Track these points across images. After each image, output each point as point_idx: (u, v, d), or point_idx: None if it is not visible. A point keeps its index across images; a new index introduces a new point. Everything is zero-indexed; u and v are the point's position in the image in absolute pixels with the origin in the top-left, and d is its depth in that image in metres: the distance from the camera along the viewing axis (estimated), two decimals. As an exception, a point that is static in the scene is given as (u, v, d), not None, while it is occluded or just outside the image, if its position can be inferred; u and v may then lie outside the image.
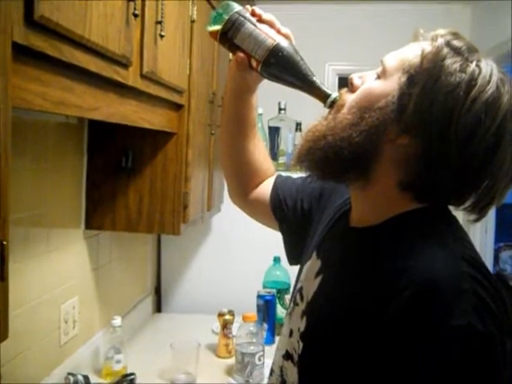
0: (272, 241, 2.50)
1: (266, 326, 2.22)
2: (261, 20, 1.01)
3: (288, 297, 2.46)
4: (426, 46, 0.84)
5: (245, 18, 0.99)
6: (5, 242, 0.72)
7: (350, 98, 0.89)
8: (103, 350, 1.87)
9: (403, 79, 0.84)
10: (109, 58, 1.06)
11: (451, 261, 0.78)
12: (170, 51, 1.47)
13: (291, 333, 1.00)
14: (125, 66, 1.16)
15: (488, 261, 3.35)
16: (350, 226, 0.96)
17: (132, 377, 1.63)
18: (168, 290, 2.75)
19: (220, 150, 1.28)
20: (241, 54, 1.01)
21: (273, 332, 2.27)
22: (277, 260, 2.48)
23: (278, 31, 1.01)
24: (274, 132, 2.93)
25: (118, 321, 1.85)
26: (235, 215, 2.67)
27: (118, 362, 1.84)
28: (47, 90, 0.87)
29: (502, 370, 0.74)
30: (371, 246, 0.88)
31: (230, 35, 0.99)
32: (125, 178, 1.78)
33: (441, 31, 0.86)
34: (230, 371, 1.94)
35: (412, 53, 0.85)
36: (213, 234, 2.75)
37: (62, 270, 1.67)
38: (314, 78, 0.95)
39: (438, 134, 0.80)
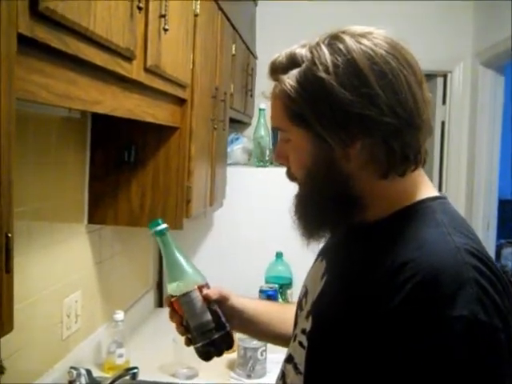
0: (274, 236, 2.52)
1: (268, 321, 2.21)
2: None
3: (290, 292, 2.46)
4: (284, 86, 0.86)
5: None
6: (10, 235, 0.72)
7: (297, 175, 0.93)
8: (105, 344, 1.87)
9: (298, 121, 0.86)
10: (113, 50, 1.06)
11: (453, 252, 0.78)
12: (174, 45, 1.46)
13: (295, 336, 1.00)
14: (129, 59, 1.15)
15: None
16: (353, 225, 0.96)
17: (135, 371, 1.63)
18: (170, 285, 2.74)
19: None
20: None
21: (275, 327, 2.27)
22: (279, 255, 2.49)
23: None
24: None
25: (120, 315, 1.85)
26: (237, 210, 2.69)
27: (121, 356, 1.84)
28: (52, 82, 0.87)
29: (505, 359, 0.74)
30: (374, 242, 0.88)
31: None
32: (127, 172, 1.78)
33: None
34: (232, 366, 1.94)
35: (283, 100, 0.87)
36: (215, 229, 2.75)
37: (65, 264, 1.67)
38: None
39: (369, 123, 0.82)
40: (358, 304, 0.83)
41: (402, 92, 0.82)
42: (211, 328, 1.06)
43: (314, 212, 0.92)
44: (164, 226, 1.11)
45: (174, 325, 1.12)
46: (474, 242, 0.82)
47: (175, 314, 1.10)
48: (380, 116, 0.81)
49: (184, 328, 1.09)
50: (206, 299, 1.08)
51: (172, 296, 1.09)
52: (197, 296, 1.08)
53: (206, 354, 1.08)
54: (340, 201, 0.88)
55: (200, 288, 1.09)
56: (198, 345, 1.07)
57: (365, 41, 0.83)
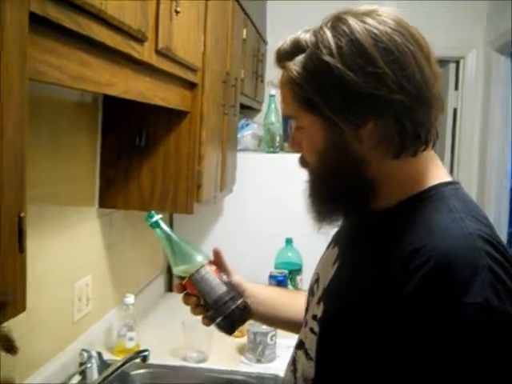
0: (284, 222, 2.52)
1: (277, 306, 2.22)
2: None
3: (300, 278, 2.46)
4: (291, 73, 0.86)
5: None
6: (23, 214, 0.72)
7: (310, 161, 0.92)
8: (116, 327, 1.89)
9: (307, 107, 0.85)
10: (125, 32, 1.05)
11: (466, 238, 0.78)
12: (185, 28, 1.45)
13: (306, 322, 1.00)
14: (140, 41, 1.15)
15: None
16: (365, 211, 0.95)
17: (145, 353, 1.63)
18: (180, 270, 2.75)
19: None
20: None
21: (284, 312, 2.27)
22: (289, 241, 2.48)
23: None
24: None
25: (130, 299, 1.86)
26: (247, 196, 2.68)
27: (131, 339, 1.85)
28: (64, 62, 0.87)
29: None
30: (387, 228, 0.87)
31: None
32: (138, 156, 1.78)
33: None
34: (241, 350, 1.95)
35: (291, 87, 0.86)
36: (225, 214, 2.75)
37: (76, 248, 1.68)
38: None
39: (378, 102, 0.81)
40: (370, 291, 0.82)
41: (408, 67, 0.80)
42: (229, 298, 1.07)
43: (327, 196, 0.91)
44: (158, 217, 1.14)
45: (184, 308, 1.12)
46: (487, 228, 0.81)
47: (190, 297, 1.10)
48: (389, 94, 0.80)
49: (201, 307, 1.09)
50: (217, 270, 1.10)
51: (183, 278, 1.09)
52: (208, 271, 1.09)
53: (228, 327, 1.08)
54: (354, 185, 0.88)
55: (207, 264, 1.10)
56: (219, 319, 1.07)
57: (369, 19, 0.82)
